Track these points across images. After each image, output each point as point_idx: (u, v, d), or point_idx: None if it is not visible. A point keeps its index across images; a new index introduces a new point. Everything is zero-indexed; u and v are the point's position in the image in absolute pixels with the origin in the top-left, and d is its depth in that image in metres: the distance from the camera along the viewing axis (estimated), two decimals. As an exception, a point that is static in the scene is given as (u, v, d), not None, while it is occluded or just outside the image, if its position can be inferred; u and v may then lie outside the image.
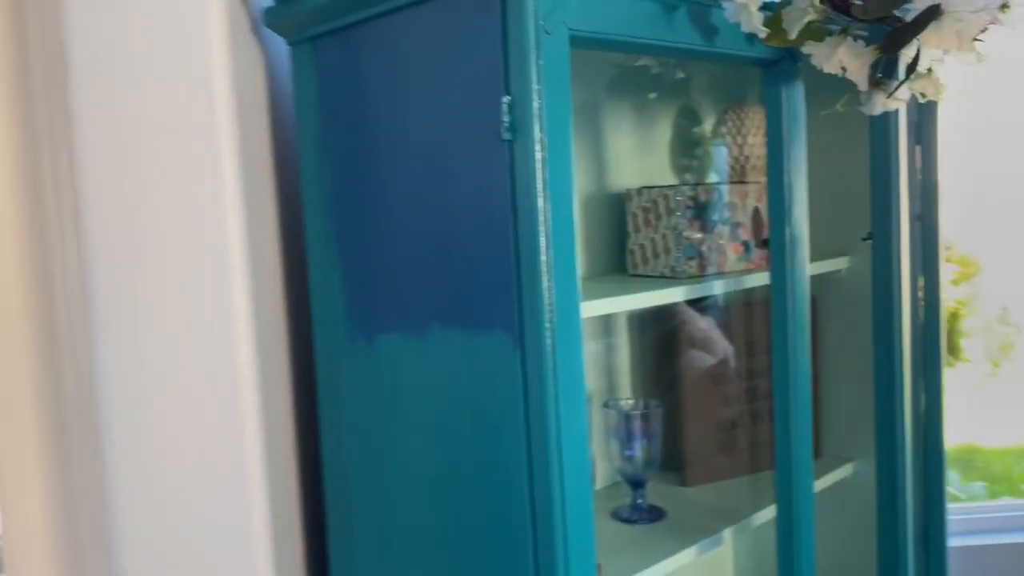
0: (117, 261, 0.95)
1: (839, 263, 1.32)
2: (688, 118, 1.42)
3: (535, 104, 0.74)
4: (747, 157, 1.32)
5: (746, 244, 1.21)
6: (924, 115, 1.27)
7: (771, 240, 1.01)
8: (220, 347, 0.95)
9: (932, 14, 0.84)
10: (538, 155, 0.75)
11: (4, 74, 1.02)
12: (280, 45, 1.01)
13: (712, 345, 1.34)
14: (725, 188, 1.20)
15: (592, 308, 0.97)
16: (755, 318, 1.37)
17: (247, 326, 0.96)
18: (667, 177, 1.40)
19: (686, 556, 1.08)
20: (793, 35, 0.88)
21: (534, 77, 0.74)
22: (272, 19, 0.98)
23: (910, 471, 1.15)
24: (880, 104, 0.93)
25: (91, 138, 0.95)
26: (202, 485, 0.97)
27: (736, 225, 1.21)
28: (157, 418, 0.97)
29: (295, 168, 1.04)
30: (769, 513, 1.15)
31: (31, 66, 1.03)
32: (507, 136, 0.76)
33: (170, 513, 0.97)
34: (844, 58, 0.90)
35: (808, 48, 0.91)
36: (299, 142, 1.00)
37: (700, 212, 1.17)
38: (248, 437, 0.96)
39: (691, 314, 1.33)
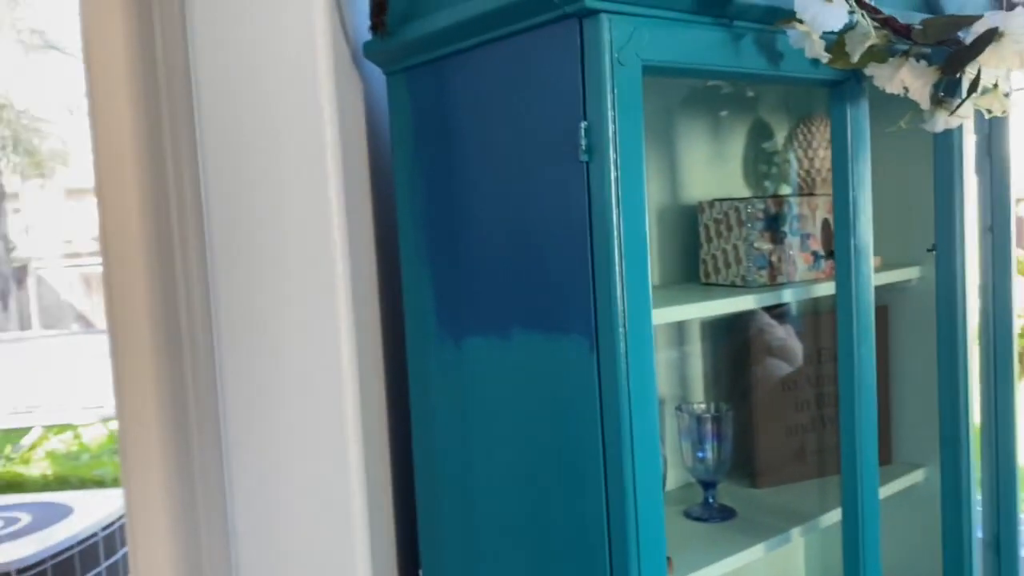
0: (236, 269, 1.06)
1: (910, 272, 1.35)
2: (759, 132, 1.46)
3: (610, 129, 0.81)
4: (818, 170, 1.36)
5: (815, 255, 1.25)
6: (996, 127, 1.29)
7: (836, 252, 1.06)
8: (326, 347, 1.05)
9: (990, 37, 0.88)
10: (613, 175, 0.82)
11: (138, 103, 1.15)
12: (377, 74, 1.09)
13: (789, 353, 1.38)
14: (795, 201, 1.24)
15: (664, 315, 1.03)
16: (826, 326, 1.41)
17: (349, 329, 1.05)
18: (740, 189, 1.45)
19: (754, 553, 1.12)
20: (855, 58, 0.92)
21: (609, 104, 0.81)
22: (370, 51, 1.06)
23: (975, 479, 1.17)
24: (942, 122, 0.97)
25: (213, 157, 1.06)
26: (308, 473, 1.07)
27: (806, 236, 1.25)
28: (269, 414, 1.07)
29: (390, 184, 1.12)
30: (837, 515, 1.18)
31: (160, 94, 1.15)
32: (584, 157, 0.83)
33: (278, 496, 1.07)
34: (906, 78, 0.94)
35: (871, 69, 0.95)
36: (394, 161, 1.09)
37: (770, 224, 1.22)
38: (349, 430, 1.06)
39: (769, 322, 1.38)
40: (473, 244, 0.99)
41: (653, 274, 1.34)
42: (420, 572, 1.15)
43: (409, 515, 1.17)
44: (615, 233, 0.83)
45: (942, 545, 1.22)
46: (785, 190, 1.47)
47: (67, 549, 2.92)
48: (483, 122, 0.96)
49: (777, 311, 1.38)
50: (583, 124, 0.83)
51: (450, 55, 0.97)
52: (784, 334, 1.38)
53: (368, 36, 1.05)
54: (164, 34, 1.15)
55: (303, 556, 1.08)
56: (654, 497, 0.87)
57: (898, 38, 0.92)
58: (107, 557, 3.08)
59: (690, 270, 1.35)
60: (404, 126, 1.06)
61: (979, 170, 1.28)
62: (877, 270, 1.29)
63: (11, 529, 3.04)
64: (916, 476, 1.38)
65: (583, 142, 0.83)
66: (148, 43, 1.16)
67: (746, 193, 1.46)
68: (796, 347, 1.38)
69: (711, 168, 1.40)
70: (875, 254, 1.32)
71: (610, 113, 0.81)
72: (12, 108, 10.69)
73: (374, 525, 1.11)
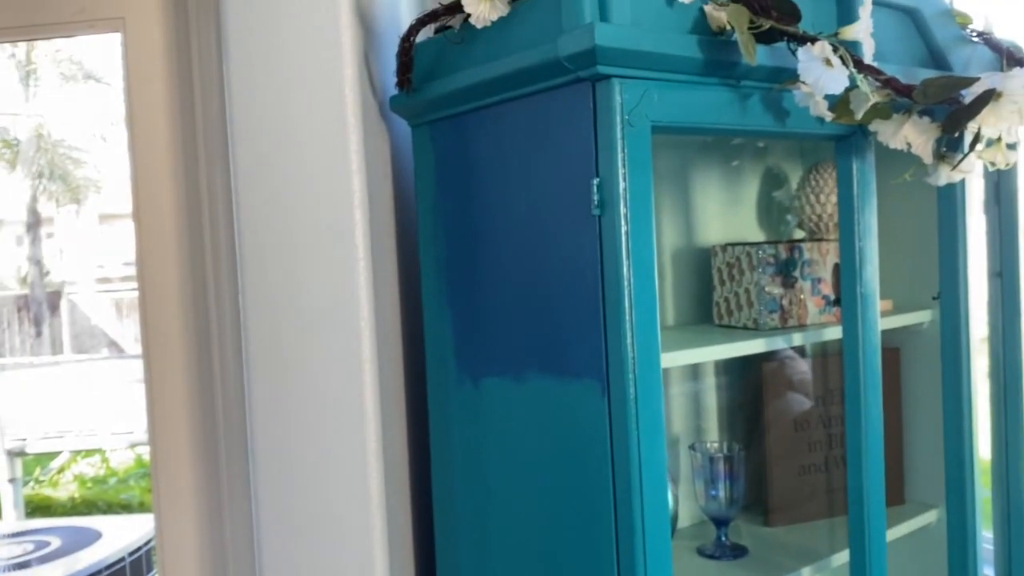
0: (265, 302, 1.11)
1: (922, 316, 1.38)
2: (771, 178, 1.50)
3: (620, 185, 0.85)
4: (829, 215, 1.39)
5: (827, 299, 1.28)
6: (1004, 173, 1.32)
7: (843, 299, 1.09)
8: (350, 383, 1.09)
9: (988, 97, 0.91)
10: (623, 228, 0.86)
11: (178, 155, 1.21)
12: (403, 127, 1.15)
13: (809, 387, 1.41)
14: (806, 246, 1.28)
15: (674, 359, 1.07)
16: (838, 368, 1.43)
17: (372, 365, 1.10)
18: (753, 233, 1.48)
19: (764, 591, 1.15)
20: (859, 116, 0.96)
21: (620, 162, 0.85)
22: (396, 105, 1.12)
23: (980, 520, 1.19)
24: (945, 176, 1.00)
25: (246, 197, 1.11)
26: (332, 502, 1.11)
27: (817, 280, 1.28)
28: (295, 444, 1.12)
29: (413, 229, 1.18)
30: (848, 555, 1.21)
31: (197, 134, 1.21)
32: (596, 212, 0.87)
33: (303, 524, 1.12)
34: (909, 135, 0.98)
35: (875, 126, 0.99)
36: (417, 209, 1.14)
37: (782, 268, 1.25)
38: (371, 461, 1.10)
39: (790, 354, 1.40)
40: (491, 289, 1.04)
41: (668, 315, 1.38)
42: (438, 604, 1.18)
43: (428, 547, 1.21)
44: (625, 283, 0.86)
45: (949, 587, 1.24)
46: (798, 235, 1.51)
47: (95, 574, 2.97)
48: (502, 174, 1.00)
49: (797, 346, 1.41)
50: (595, 181, 0.87)
51: (471, 111, 1.02)
52: (805, 367, 1.41)
53: (394, 91, 1.10)
54: (202, 77, 1.22)
55: (325, 587, 1.12)
56: (662, 536, 0.90)
57: (900, 97, 0.95)
58: (134, 582, 3.13)
59: (705, 311, 1.38)
60: (428, 175, 1.11)
61: (987, 212, 1.31)
62: (888, 314, 1.32)
63: (41, 553, 3.10)
64: (929, 517, 1.39)
65: (595, 197, 0.87)
66: (187, 85, 1.23)
67: (760, 237, 1.49)
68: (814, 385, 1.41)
69: (724, 213, 1.44)
70: (887, 297, 1.36)
71: (620, 171, 0.85)
72: (49, 138, 10.98)
73: (394, 554, 1.15)
